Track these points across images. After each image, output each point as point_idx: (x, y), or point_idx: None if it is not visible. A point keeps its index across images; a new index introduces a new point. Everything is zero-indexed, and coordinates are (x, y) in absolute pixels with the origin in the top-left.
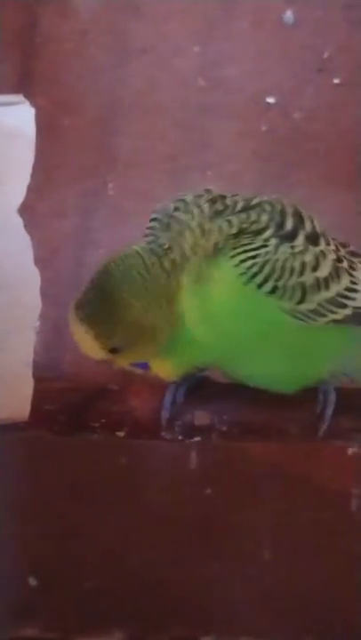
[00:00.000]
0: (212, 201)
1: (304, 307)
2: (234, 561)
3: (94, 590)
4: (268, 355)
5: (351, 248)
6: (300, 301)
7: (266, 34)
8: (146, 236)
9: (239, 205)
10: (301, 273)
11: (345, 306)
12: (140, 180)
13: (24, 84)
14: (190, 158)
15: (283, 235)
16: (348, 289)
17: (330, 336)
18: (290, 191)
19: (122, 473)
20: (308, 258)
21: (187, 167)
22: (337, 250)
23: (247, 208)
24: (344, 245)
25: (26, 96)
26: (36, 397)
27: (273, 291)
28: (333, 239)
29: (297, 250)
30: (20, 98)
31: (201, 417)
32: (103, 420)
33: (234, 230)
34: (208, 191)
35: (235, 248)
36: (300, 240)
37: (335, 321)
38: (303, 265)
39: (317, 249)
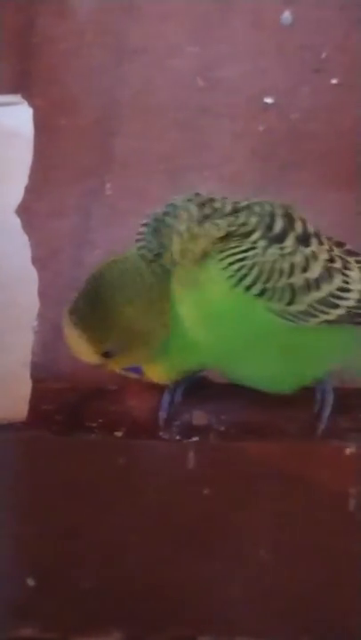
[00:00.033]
0: (201, 204)
1: (294, 308)
2: (232, 561)
3: (92, 590)
4: (262, 356)
5: (348, 247)
6: (290, 302)
7: (264, 34)
8: (137, 241)
9: (227, 208)
10: (291, 274)
11: (337, 306)
12: (138, 181)
13: (22, 85)
14: (188, 158)
15: (272, 236)
16: (340, 289)
17: (324, 336)
18: (288, 191)
19: (120, 473)
20: (298, 259)
21: (185, 167)
22: (330, 250)
23: (236, 211)
24: (340, 245)
25: (24, 96)
26: (33, 397)
27: (262, 292)
28: (329, 239)
29: (286, 251)
30: (17, 98)
31: (199, 417)
32: (101, 420)
33: (221, 233)
34: (197, 195)
35: (222, 251)
36: (289, 241)
37: (328, 321)
38: (292, 266)
39: (308, 250)
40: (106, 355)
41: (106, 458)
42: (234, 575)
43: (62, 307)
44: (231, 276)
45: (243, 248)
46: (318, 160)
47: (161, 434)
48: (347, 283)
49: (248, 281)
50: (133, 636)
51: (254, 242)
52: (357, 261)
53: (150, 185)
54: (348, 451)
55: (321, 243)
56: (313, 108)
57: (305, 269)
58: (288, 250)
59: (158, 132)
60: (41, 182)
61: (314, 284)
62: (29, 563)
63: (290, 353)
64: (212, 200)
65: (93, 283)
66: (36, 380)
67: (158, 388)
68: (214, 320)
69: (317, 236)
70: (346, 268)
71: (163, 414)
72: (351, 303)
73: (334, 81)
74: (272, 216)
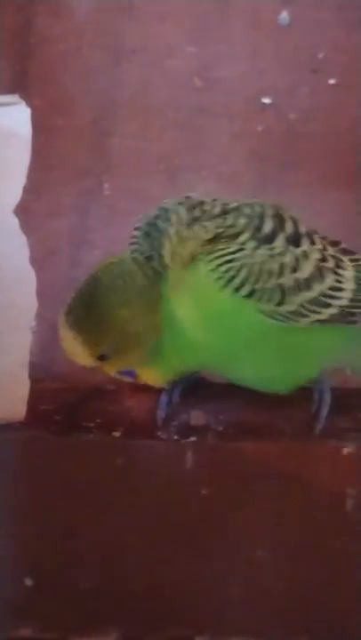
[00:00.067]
0: (191, 207)
1: (284, 308)
2: (229, 561)
3: (91, 590)
4: (255, 357)
5: (343, 246)
6: (280, 303)
7: (261, 34)
8: (130, 244)
9: (216, 210)
10: (280, 275)
11: (329, 305)
12: (135, 181)
13: (19, 85)
14: (186, 158)
15: (261, 237)
16: (332, 288)
17: (316, 336)
18: (287, 191)
19: (118, 473)
20: (288, 259)
21: (183, 167)
22: (324, 249)
23: (224, 212)
24: (335, 244)
25: (21, 97)
26: (32, 397)
27: (251, 294)
28: (323, 238)
29: (276, 252)
30: (15, 98)
31: (197, 417)
32: (99, 420)
33: (209, 236)
34: (188, 198)
35: (210, 253)
36: (279, 242)
37: (320, 321)
38: (282, 266)
39: (299, 250)
40: (101, 358)
41: (104, 458)
42: (232, 575)
43: (60, 307)
44: (220, 278)
45: (231, 250)
46: (316, 160)
47: (159, 434)
48: (339, 282)
49: (237, 282)
50: (132, 635)
51: (243, 243)
52: (352, 260)
53: (148, 185)
54: (345, 451)
55: (313, 242)
56: (311, 109)
57: (295, 269)
58: (278, 250)
59: (156, 132)
60: (39, 182)
61: (304, 284)
62: (28, 562)
63: (282, 353)
64: (201, 203)
65: (89, 285)
66: (35, 380)
67: (156, 389)
68: (205, 322)
69: (310, 235)
70: (339, 267)
71: (161, 414)
72: (344, 302)
73: (332, 81)
74: (261, 217)
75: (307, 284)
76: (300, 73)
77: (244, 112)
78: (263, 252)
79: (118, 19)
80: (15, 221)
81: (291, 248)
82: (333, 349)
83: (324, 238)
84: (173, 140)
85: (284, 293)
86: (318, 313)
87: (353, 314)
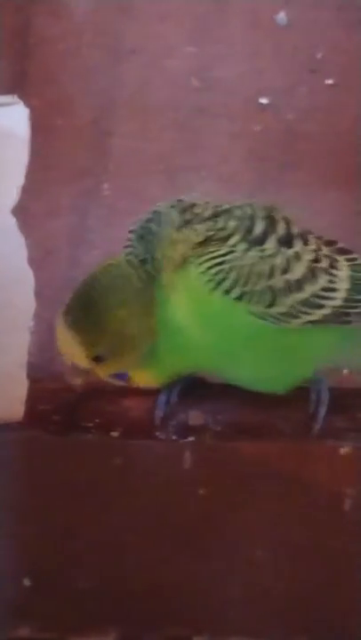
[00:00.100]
0: (183, 210)
1: (275, 310)
2: (228, 561)
3: (89, 590)
4: (248, 358)
5: (340, 245)
6: (271, 305)
7: (259, 35)
8: (125, 247)
9: (207, 213)
10: (270, 276)
11: (322, 306)
12: (134, 181)
13: (18, 85)
14: (185, 159)
15: (252, 239)
16: (325, 289)
17: (309, 336)
18: (286, 191)
19: (116, 473)
20: (278, 261)
21: (181, 167)
22: (318, 250)
23: (215, 215)
24: (331, 243)
25: (20, 96)
26: (30, 398)
27: (241, 296)
28: (318, 238)
29: (266, 253)
30: (14, 98)
31: (195, 417)
32: (97, 420)
33: (200, 238)
34: (180, 200)
35: (201, 256)
36: (270, 243)
37: (313, 322)
38: (272, 268)
39: (290, 251)
40: (96, 359)
41: (102, 458)
42: (230, 575)
43: (59, 307)
44: (210, 280)
45: (221, 252)
46: (315, 160)
47: (157, 434)
48: (333, 282)
49: (226, 285)
50: (130, 635)
51: (233, 245)
52: (349, 259)
53: (147, 185)
54: (343, 450)
55: (306, 243)
56: (309, 109)
57: (285, 271)
58: (268, 252)
59: (155, 133)
60: (37, 182)
61: (295, 286)
62: (26, 562)
63: (276, 353)
64: (193, 205)
65: (88, 285)
66: (33, 380)
67: (154, 389)
68: (198, 324)
69: (303, 236)
70: (333, 267)
71: (159, 414)
72: (337, 303)
73: (330, 81)
74: (252, 219)
75: (298, 285)
76: (299, 73)
77: (242, 112)
78: (254, 253)
79: (118, 19)
80: (13, 221)
81: (282, 249)
82: (328, 349)
83: (319, 238)
84: (173, 140)
85: (274, 295)
86: (310, 314)
87: (347, 314)
